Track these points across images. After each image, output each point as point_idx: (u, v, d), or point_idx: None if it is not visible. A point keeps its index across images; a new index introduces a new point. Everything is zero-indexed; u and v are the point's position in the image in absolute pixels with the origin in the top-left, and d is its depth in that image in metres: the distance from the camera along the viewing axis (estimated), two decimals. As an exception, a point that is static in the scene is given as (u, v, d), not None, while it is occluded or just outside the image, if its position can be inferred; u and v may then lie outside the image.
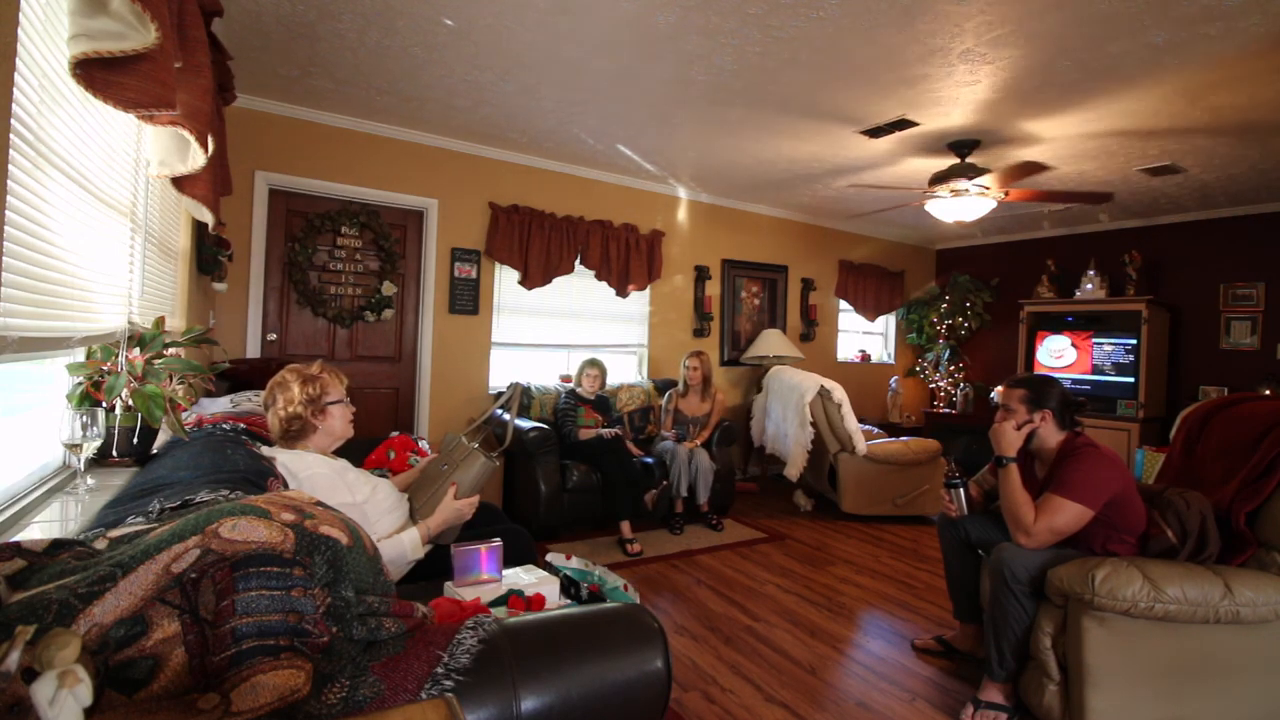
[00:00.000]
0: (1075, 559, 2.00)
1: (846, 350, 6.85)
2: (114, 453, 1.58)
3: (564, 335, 4.95)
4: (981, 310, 6.73)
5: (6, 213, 1.00)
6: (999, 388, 2.34)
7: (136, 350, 1.61)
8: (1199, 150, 3.94)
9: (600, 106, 3.60)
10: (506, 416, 3.78)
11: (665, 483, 4.07)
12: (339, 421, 1.91)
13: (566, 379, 4.72)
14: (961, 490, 2.43)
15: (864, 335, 7.06)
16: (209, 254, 2.91)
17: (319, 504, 1.04)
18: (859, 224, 6.45)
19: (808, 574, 3.48)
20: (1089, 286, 5.75)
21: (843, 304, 6.64)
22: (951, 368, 6.78)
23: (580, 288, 4.97)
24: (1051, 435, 2.20)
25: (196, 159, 1.61)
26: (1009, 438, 2.22)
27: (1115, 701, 1.89)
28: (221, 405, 2.30)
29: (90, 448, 1.37)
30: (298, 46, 2.98)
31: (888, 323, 7.24)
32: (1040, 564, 2.04)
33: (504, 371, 4.65)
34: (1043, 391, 2.21)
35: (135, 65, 1.11)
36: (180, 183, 1.73)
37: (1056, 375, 5.59)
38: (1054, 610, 2.02)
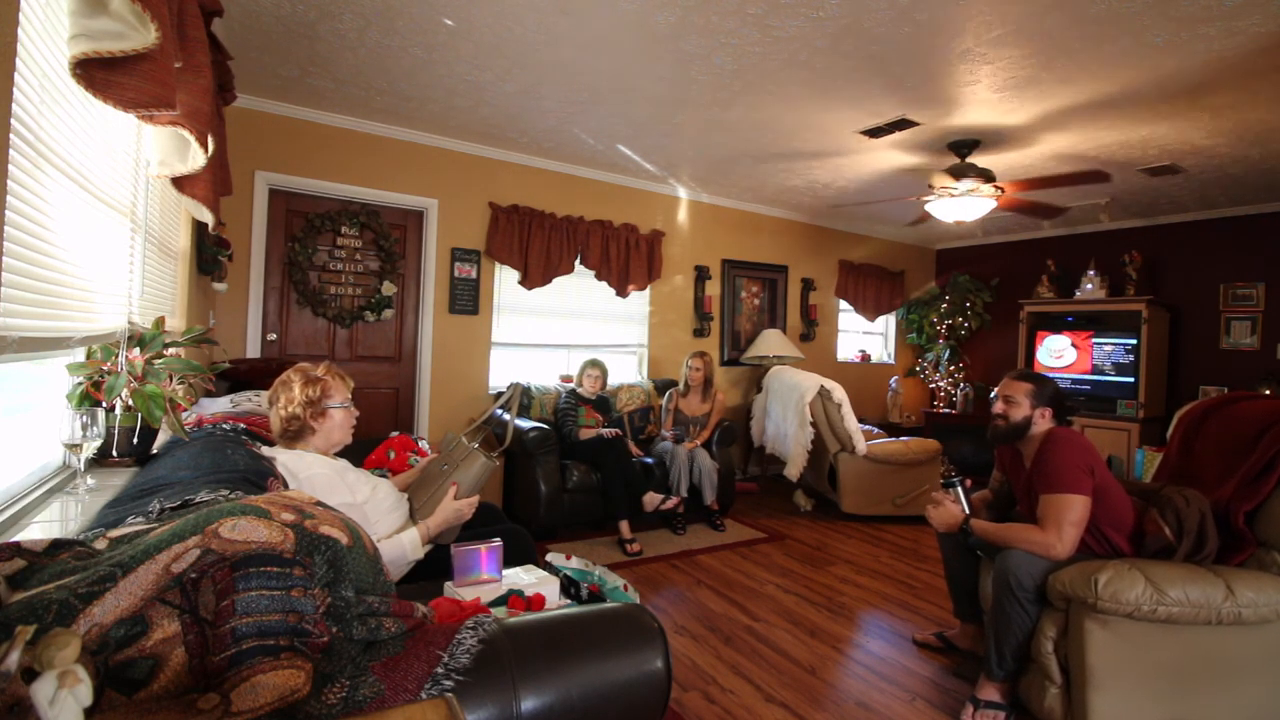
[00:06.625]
0: (1077, 562, 2.00)
1: (846, 350, 6.85)
2: (114, 453, 1.58)
3: (564, 335, 4.95)
4: (981, 310, 6.73)
5: (6, 213, 1.00)
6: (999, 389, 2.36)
7: (136, 350, 1.60)
8: (1199, 150, 3.93)
9: (600, 106, 3.59)
10: (506, 416, 3.78)
11: (682, 498, 4.04)
12: (339, 426, 1.88)
13: (567, 379, 4.72)
14: (959, 487, 2.42)
15: (864, 335, 7.06)
16: (209, 254, 2.91)
17: (319, 504, 1.04)
18: (859, 224, 6.45)
19: (808, 574, 3.48)
20: (1089, 286, 5.75)
21: (843, 304, 6.64)
22: (951, 368, 6.77)
23: (580, 288, 4.97)
24: (1044, 426, 2.27)
25: (196, 159, 1.61)
26: (952, 512, 2.37)
27: (1117, 703, 1.89)
28: (221, 405, 2.30)
29: (90, 448, 1.37)
30: (298, 46, 2.98)
31: (888, 323, 7.24)
32: (1045, 570, 2.04)
33: (504, 371, 4.65)
34: (1045, 387, 2.29)
35: (135, 65, 1.11)
36: (180, 183, 1.73)
37: (1056, 375, 5.61)
38: (1056, 613, 2.02)
